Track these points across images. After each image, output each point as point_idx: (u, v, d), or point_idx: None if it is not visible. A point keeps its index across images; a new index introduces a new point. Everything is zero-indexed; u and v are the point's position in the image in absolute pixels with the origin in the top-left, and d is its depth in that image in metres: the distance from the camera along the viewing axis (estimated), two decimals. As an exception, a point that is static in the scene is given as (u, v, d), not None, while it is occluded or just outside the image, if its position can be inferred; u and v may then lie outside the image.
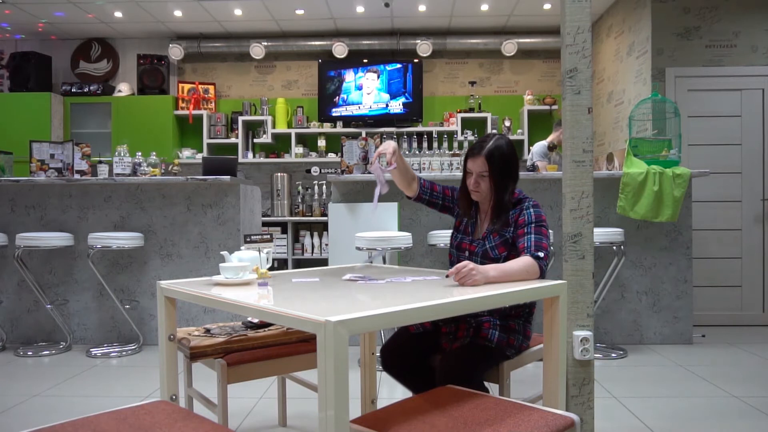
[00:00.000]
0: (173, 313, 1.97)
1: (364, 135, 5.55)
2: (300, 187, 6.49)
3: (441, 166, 5.85)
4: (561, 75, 2.44)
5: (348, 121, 6.61)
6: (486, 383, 2.06)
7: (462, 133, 6.40)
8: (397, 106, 6.56)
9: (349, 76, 6.61)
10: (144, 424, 1.44)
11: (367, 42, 6.69)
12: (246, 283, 1.94)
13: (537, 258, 1.98)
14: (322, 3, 5.89)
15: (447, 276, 1.86)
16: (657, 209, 3.91)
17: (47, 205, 4.25)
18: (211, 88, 6.89)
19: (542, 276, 1.98)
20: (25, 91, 6.52)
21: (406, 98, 6.55)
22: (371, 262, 2.65)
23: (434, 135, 6.45)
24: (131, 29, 6.70)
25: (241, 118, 6.65)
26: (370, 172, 4.07)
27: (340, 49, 6.60)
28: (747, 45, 4.91)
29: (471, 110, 6.67)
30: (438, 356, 2.14)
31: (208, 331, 2.33)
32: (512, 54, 6.60)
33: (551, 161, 5.14)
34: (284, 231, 6.23)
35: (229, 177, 4.07)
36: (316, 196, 6.41)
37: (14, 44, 6.96)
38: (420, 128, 6.57)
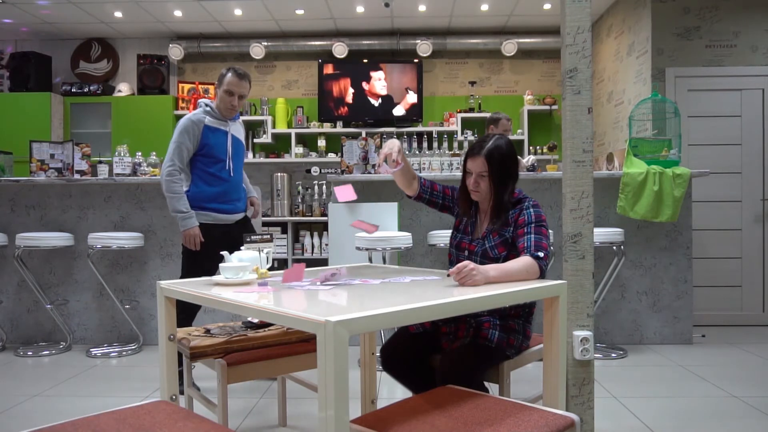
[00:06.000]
0: (173, 313, 1.97)
1: (364, 135, 5.55)
2: (300, 187, 6.48)
3: (441, 166, 5.85)
4: (561, 75, 2.44)
5: (348, 121, 6.61)
6: (486, 383, 2.06)
7: (462, 133, 6.40)
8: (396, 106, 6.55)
9: (350, 76, 6.60)
10: (144, 424, 1.44)
11: (367, 42, 6.69)
12: (246, 283, 1.94)
13: (537, 258, 1.98)
14: (322, 3, 5.89)
15: (447, 276, 1.86)
16: (657, 209, 3.91)
17: (47, 205, 4.25)
18: (211, 88, 6.88)
19: (542, 276, 1.98)
20: (25, 91, 6.51)
21: (406, 98, 6.54)
22: None
23: (434, 135, 6.45)
24: (131, 29, 6.69)
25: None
26: (370, 172, 4.09)
27: (340, 49, 6.60)
28: (747, 45, 4.91)
29: (471, 110, 6.67)
30: (438, 356, 2.14)
31: (208, 331, 2.33)
32: (512, 54, 6.60)
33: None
34: (284, 231, 6.23)
35: (229, 177, 4.05)
36: (316, 196, 6.40)
37: (14, 44, 6.96)
38: (420, 128, 6.56)
